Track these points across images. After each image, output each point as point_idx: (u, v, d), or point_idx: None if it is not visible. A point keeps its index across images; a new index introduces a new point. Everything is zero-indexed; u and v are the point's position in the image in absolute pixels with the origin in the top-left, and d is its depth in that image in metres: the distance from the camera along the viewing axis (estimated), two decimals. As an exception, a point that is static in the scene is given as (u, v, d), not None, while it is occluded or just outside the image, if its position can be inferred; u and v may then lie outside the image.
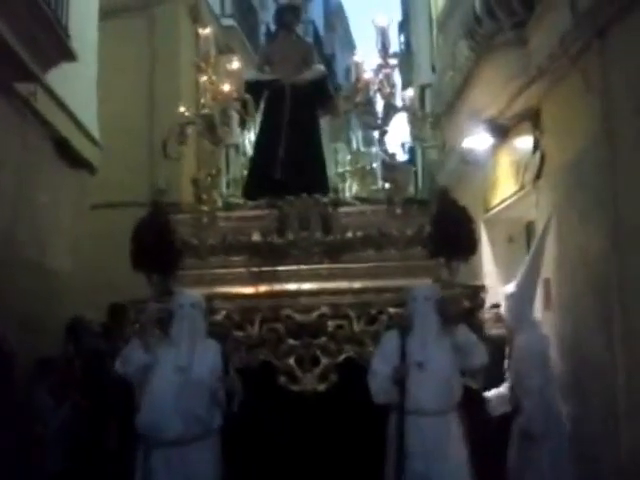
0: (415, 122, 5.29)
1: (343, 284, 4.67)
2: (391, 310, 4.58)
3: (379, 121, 5.17)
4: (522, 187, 6.22)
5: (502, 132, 6.57)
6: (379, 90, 5.17)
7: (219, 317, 4.50)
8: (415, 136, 5.40)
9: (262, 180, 5.42)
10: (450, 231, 4.63)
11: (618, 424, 4.46)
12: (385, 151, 5.19)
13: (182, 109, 5.14)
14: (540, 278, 5.32)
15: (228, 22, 11.13)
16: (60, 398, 4.86)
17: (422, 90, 10.68)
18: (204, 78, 5.08)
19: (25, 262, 5.80)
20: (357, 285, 4.67)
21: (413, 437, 3.98)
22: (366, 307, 4.59)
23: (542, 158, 5.75)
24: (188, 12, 9.98)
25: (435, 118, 5.54)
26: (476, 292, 4.67)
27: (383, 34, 5.22)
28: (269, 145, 5.55)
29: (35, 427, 4.52)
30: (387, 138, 5.21)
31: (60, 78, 5.82)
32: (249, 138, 6.12)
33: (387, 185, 5.16)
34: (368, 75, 5.19)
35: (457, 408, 4.13)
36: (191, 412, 3.92)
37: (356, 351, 4.53)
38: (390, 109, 5.16)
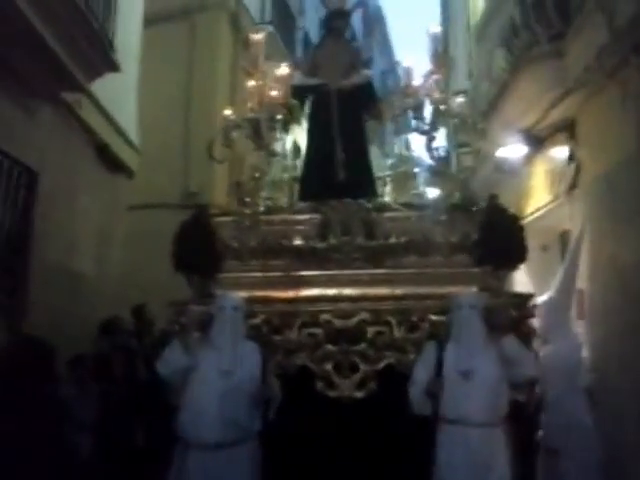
0: (464, 128, 5.15)
1: (384, 290, 4.53)
2: (433, 318, 4.42)
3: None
4: (557, 197, 6.18)
5: (537, 142, 6.53)
6: (428, 95, 5.05)
7: (258, 321, 4.42)
8: (462, 143, 5.24)
9: (321, 182, 5.27)
10: (500, 239, 4.44)
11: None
12: (433, 157, 5.06)
13: (228, 112, 5.11)
14: (575, 288, 5.28)
15: (267, 29, 11.00)
16: (87, 389, 4.77)
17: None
18: (252, 83, 5.05)
19: (62, 262, 5.85)
20: (399, 291, 4.52)
21: (457, 448, 3.81)
22: (407, 314, 4.44)
23: (577, 169, 5.74)
24: (228, 19, 9.92)
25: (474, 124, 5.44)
26: (524, 301, 4.46)
27: (435, 41, 5.12)
28: (324, 148, 5.42)
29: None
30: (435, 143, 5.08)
31: (103, 87, 5.95)
32: (291, 141, 6.04)
33: (430, 190, 5.04)
34: (418, 81, 5.08)
35: (503, 422, 3.94)
36: (233, 417, 3.83)
37: (396, 358, 4.38)
38: (439, 114, 5.03)
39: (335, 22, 5.91)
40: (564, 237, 6.35)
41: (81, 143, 6.22)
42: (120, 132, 7.06)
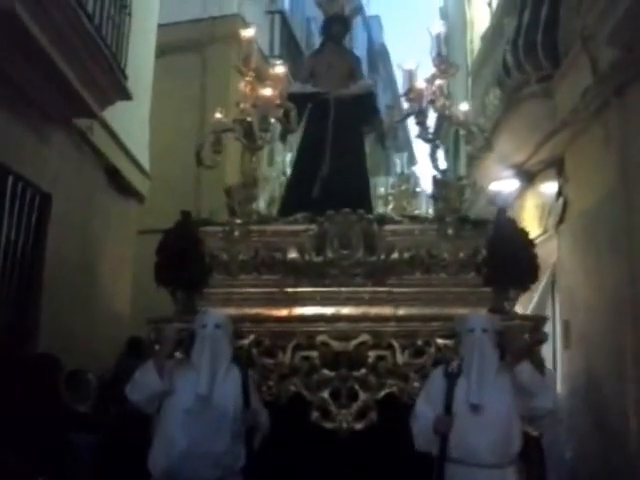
0: (470, 138, 4.67)
1: (386, 310, 3.96)
2: (440, 341, 3.88)
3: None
4: (546, 230, 6.28)
5: (528, 177, 6.74)
6: (432, 102, 4.56)
7: (247, 341, 3.87)
8: (469, 153, 4.76)
9: (301, 198, 4.80)
10: (509, 256, 3.93)
11: (630, 460, 4.34)
12: (437, 166, 4.56)
13: (219, 115, 4.60)
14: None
15: (276, 63, 10.79)
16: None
17: (456, 132, 10.32)
18: (243, 83, 4.54)
19: (74, 283, 5.76)
20: (402, 312, 3.95)
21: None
22: (412, 337, 3.88)
23: (565, 204, 5.89)
24: (238, 52, 9.72)
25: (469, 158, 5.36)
26: (537, 324, 3.95)
27: (438, 42, 4.63)
28: (310, 161, 4.97)
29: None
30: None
31: (115, 114, 6.00)
32: (289, 157, 5.63)
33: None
34: (421, 85, 4.58)
35: (516, 460, 3.41)
36: (210, 452, 3.27)
37: (399, 386, 3.81)
38: (443, 122, 4.54)
39: (333, 28, 5.44)
40: (553, 270, 6.22)
41: (93, 168, 6.22)
42: (131, 158, 7.04)
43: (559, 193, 6.01)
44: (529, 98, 5.79)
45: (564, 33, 5.43)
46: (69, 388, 4.76)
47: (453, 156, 10.17)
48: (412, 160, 7.24)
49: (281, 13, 11.34)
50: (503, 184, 6.93)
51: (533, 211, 6.77)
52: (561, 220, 5.94)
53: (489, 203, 7.45)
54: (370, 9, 20.85)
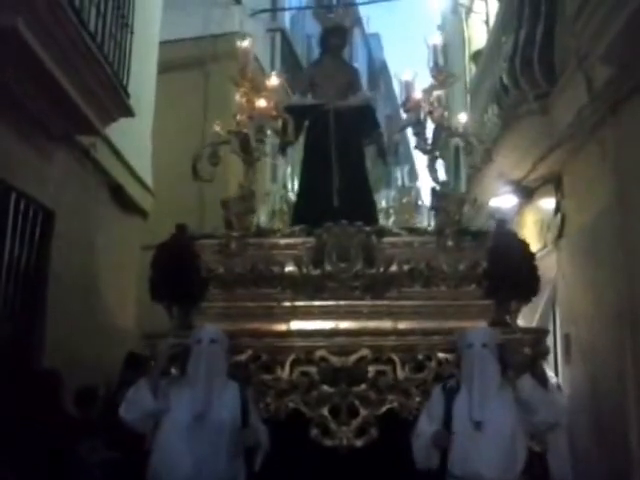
0: (469, 150, 4.57)
1: (386, 324, 3.85)
2: (441, 355, 3.76)
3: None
4: (545, 245, 6.25)
5: (527, 193, 6.72)
6: (430, 113, 4.47)
7: (244, 357, 3.74)
8: (469, 164, 4.66)
9: (315, 209, 4.67)
10: (509, 268, 3.82)
11: (631, 476, 4.28)
12: (435, 178, 4.46)
13: (217, 128, 4.50)
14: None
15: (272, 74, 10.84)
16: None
17: (456, 149, 10.34)
18: (239, 95, 4.46)
19: (78, 299, 5.69)
20: (402, 325, 3.84)
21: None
22: (412, 351, 3.75)
23: (563, 219, 5.88)
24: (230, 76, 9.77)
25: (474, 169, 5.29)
26: (539, 337, 3.82)
27: (435, 52, 4.54)
28: (320, 172, 4.87)
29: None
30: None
31: (118, 130, 5.96)
32: (289, 170, 5.54)
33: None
34: (418, 95, 4.49)
35: (520, 477, 3.28)
36: (208, 471, 3.15)
37: (400, 402, 3.67)
38: (442, 133, 4.45)
39: (332, 40, 5.33)
40: (552, 284, 6.16)
41: (96, 184, 6.16)
42: (134, 174, 6.98)
43: (557, 209, 6.02)
44: (526, 115, 5.82)
45: (560, 51, 5.49)
46: (81, 404, 4.87)
47: (454, 173, 10.11)
48: (413, 174, 7.16)
49: (282, 31, 11.33)
50: (502, 200, 6.92)
51: (532, 226, 6.76)
52: (560, 235, 5.93)
53: (489, 219, 7.26)
54: (370, 27, 20.87)
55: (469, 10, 10.93)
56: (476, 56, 9.32)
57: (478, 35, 10.34)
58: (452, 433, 3.24)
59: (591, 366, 5.13)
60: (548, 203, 6.26)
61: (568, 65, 5.26)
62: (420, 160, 7.23)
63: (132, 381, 4.82)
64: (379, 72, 24.73)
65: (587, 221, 5.28)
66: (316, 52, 12.47)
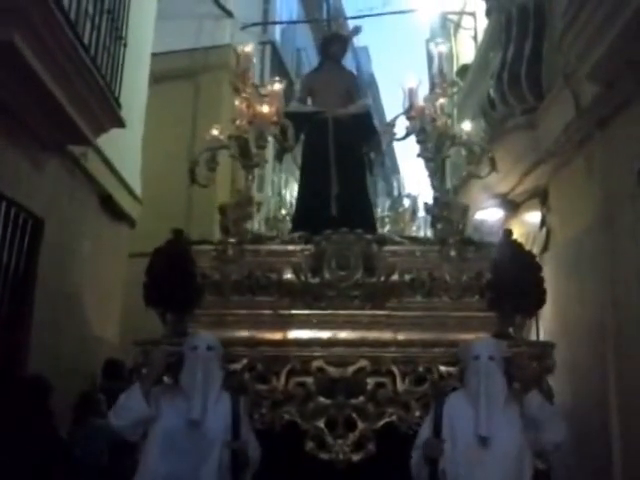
0: (471, 158, 4.46)
1: (386, 334, 3.67)
2: (442, 368, 3.60)
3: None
4: None
5: (512, 207, 6.75)
6: (433, 120, 4.36)
7: (239, 366, 3.56)
8: (470, 173, 4.55)
9: (313, 217, 4.55)
10: (514, 279, 3.69)
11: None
12: (436, 186, 4.34)
13: (215, 132, 4.37)
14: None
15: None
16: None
17: (443, 161, 10.32)
18: (239, 100, 4.33)
19: (65, 307, 5.68)
20: (402, 336, 3.66)
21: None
22: (412, 363, 3.58)
23: (548, 234, 5.89)
24: (230, 81, 9.72)
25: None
26: (546, 351, 3.67)
27: (440, 60, 4.45)
28: (320, 180, 4.76)
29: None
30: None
31: (109, 141, 5.95)
32: (284, 177, 5.42)
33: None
34: (421, 103, 4.38)
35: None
36: None
37: (399, 416, 3.50)
38: (445, 141, 4.33)
39: (331, 47, 5.26)
40: None
41: (86, 193, 6.17)
42: (124, 184, 6.98)
43: (542, 223, 6.02)
44: (513, 130, 5.82)
45: (547, 68, 5.51)
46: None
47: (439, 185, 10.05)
48: (400, 185, 7.14)
49: (272, 43, 11.33)
50: (488, 213, 6.92)
51: (518, 240, 6.74)
52: (545, 249, 5.88)
53: (475, 231, 7.28)
54: (359, 40, 20.98)
55: (457, 25, 11.02)
56: (462, 71, 9.30)
57: (465, 50, 10.41)
58: (443, 441, 3.07)
59: (574, 380, 5.06)
60: (534, 217, 6.24)
61: (555, 81, 5.28)
62: (409, 170, 7.20)
63: (109, 389, 4.81)
64: (367, 84, 24.81)
65: (572, 236, 5.28)
66: (305, 65, 12.50)
